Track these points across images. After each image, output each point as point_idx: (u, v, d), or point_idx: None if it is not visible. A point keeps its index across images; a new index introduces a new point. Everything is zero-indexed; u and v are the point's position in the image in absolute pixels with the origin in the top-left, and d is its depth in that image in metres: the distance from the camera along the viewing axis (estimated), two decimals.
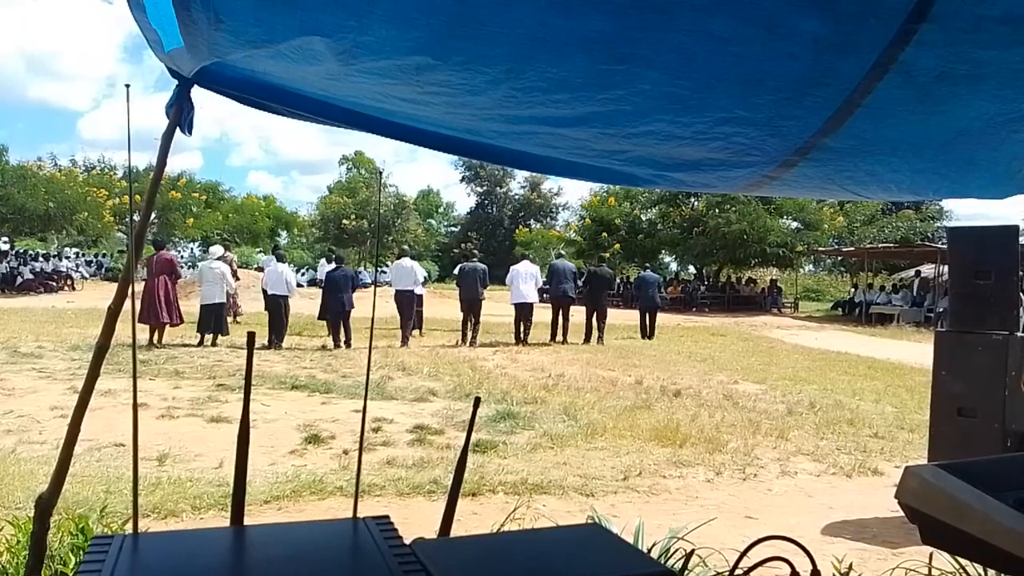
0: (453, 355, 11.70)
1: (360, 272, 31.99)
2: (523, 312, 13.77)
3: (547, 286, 14.84)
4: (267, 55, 1.75)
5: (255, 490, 4.53)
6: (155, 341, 11.95)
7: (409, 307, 13.05)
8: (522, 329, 13.80)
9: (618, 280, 33.42)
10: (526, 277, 13.80)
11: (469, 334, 13.37)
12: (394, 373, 9.63)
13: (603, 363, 11.27)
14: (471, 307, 13.37)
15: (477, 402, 1.98)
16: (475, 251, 15.71)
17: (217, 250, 13.88)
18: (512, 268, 14.14)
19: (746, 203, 27.48)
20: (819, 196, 3.19)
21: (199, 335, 12.28)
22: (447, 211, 62.48)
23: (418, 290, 13.76)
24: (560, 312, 14.19)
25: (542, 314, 14.92)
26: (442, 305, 19.53)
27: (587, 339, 14.10)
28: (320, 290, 16.46)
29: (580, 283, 15.02)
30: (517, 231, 46.25)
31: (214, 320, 12.28)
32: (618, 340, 14.71)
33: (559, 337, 14.11)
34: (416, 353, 11.74)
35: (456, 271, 14.15)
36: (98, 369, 2.20)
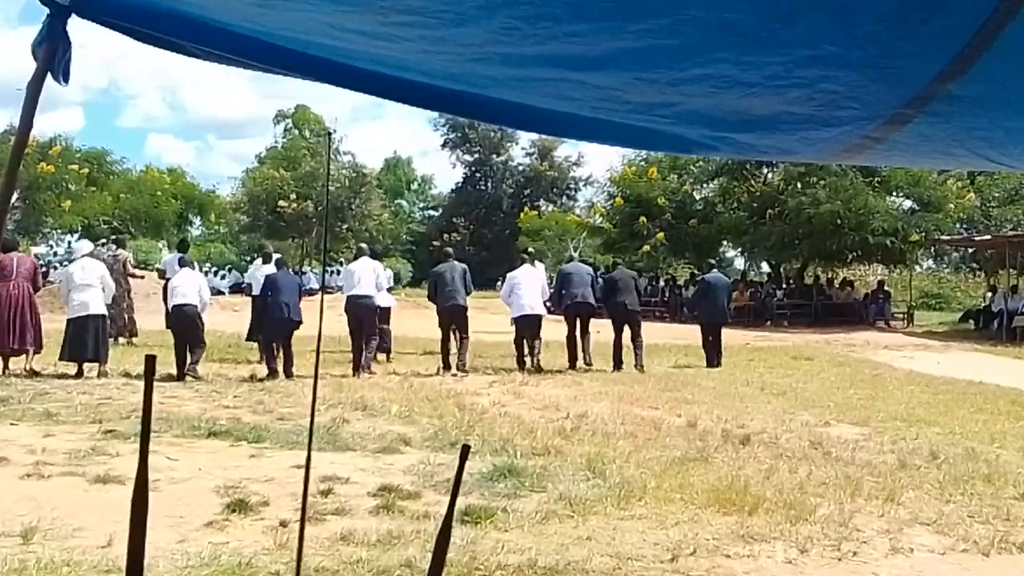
0: (432, 387, 11.72)
1: (305, 274, 32.04)
2: (528, 328, 13.91)
3: (560, 294, 14.85)
4: None
5: None
6: (8, 370, 12.01)
7: (370, 322, 13.16)
8: (527, 351, 13.89)
9: (661, 282, 33.38)
10: (529, 284, 13.98)
11: (454, 358, 13.45)
12: (351, 414, 9.64)
13: (642, 398, 11.30)
14: (453, 319, 13.54)
15: (465, 452, 1.98)
16: (448, 248, 16.10)
17: (85, 246, 13.97)
18: (509, 276, 14.40)
19: (840, 175, 27.57)
20: (941, 166, 3.18)
21: (75, 364, 12.25)
22: (423, 188, 62.69)
23: (383, 300, 13.86)
24: (579, 326, 14.36)
25: (555, 331, 14.98)
26: (417, 318, 19.54)
27: (617, 365, 14.16)
28: (249, 299, 16.58)
29: (600, 289, 15.22)
30: (521, 215, 46.41)
31: (92, 340, 12.25)
32: (664, 367, 14.73)
33: (580, 361, 14.24)
34: (382, 385, 11.77)
35: (430, 277, 14.42)
36: None
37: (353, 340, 13.25)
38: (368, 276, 13.30)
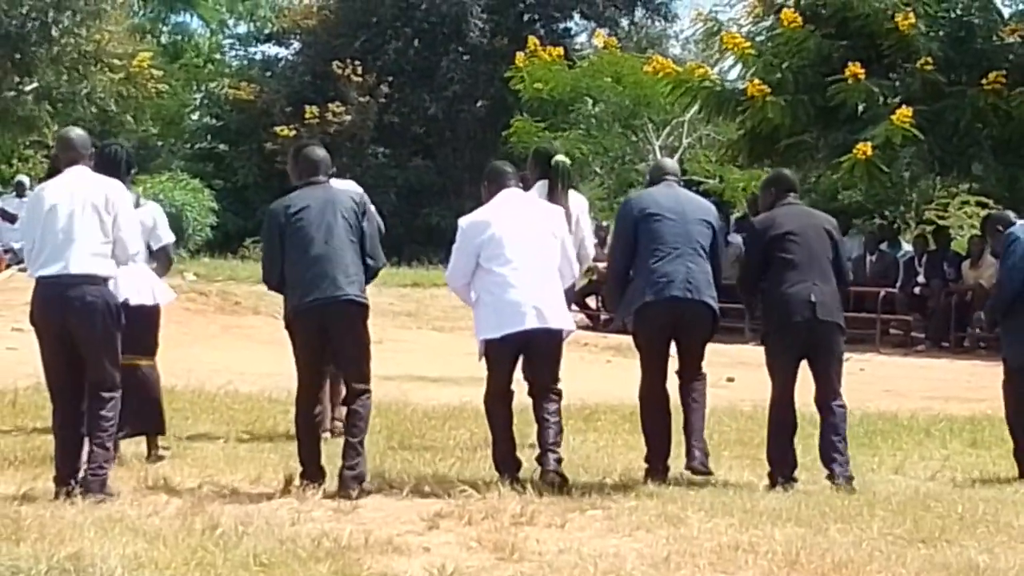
0: (275, 528, 3.95)
1: None
2: (524, 364, 5.29)
3: (620, 272, 5.79)
4: None
5: None
6: None
7: (102, 349, 4.76)
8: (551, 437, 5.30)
9: (904, 247, 15.34)
10: (531, 240, 5.22)
11: (331, 435, 5.74)
12: None
13: (848, 566, 3.54)
14: (323, 338, 5.12)
15: None
16: (315, 151, 5.60)
17: None
18: (470, 223, 5.35)
19: None
20: None
21: None
22: None
23: (139, 289, 5.62)
24: (671, 356, 5.67)
25: (603, 375, 8.05)
26: (241, 338, 10.90)
27: (782, 470, 5.44)
28: None
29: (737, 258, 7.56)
30: (517, 60, 18.66)
31: None
32: (913, 475, 5.62)
33: (688, 459, 5.40)
34: (135, 525, 3.90)
35: (267, 221, 5.45)
36: None
37: (55, 399, 4.94)
38: (92, 223, 4.79)
